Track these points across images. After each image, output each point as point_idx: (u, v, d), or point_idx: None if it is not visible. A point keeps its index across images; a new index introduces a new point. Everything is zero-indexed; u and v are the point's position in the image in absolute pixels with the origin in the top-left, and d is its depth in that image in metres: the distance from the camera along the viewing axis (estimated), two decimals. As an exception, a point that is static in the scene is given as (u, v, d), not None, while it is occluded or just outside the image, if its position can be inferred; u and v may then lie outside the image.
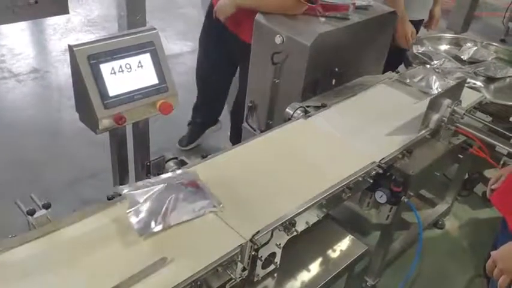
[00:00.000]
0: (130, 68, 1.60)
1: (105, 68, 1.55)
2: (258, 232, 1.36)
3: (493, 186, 1.74)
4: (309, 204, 1.50)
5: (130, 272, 1.20)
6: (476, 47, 2.92)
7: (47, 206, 1.33)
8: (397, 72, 2.45)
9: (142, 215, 1.33)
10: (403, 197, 1.79)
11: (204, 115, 3.13)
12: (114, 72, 1.57)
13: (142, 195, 1.36)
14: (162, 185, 1.39)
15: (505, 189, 1.67)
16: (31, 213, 1.31)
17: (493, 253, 1.43)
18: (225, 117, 3.21)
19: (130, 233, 1.32)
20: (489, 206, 2.70)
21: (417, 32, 2.97)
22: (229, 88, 3.04)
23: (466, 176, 2.83)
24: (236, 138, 2.82)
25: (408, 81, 2.29)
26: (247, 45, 2.34)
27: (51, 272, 1.21)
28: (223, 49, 2.69)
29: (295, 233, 1.48)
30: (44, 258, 1.24)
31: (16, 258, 1.23)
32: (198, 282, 1.23)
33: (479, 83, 2.60)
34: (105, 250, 1.28)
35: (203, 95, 3.05)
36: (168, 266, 1.25)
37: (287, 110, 2.01)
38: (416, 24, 2.96)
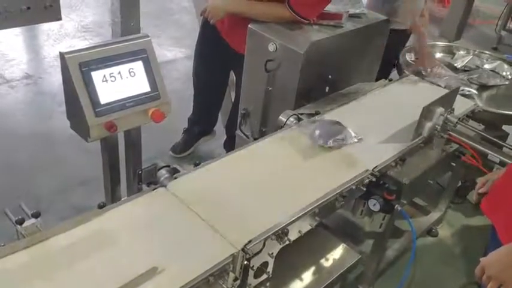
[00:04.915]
0: (122, 75, 1.59)
1: (97, 76, 1.54)
2: (250, 241, 1.35)
3: (480, 191, 1.74)
4: (302, 213, 1.49)
5: (120, 282, 1.18)
6: (470, 56, 2.94)
7: (36, 215, 1.31)
8: (390, 80, 2.45)
9: None
10: (397, 205, 1.79)
11: (202, 124, 3.12)
12: (106, 80, 1.56)
13: None
14: None
15: (494, 197, 1.67)
16: (20, 222, 1.30)
17: (481, 259, 1.44)
18: (218, 125, 3.20)
19: (121, 243, 1.31)
20: (482, 213, 2.71)
21: (407, 40, 2.99)
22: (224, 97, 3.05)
23: (459, 184, 2.84)
24: (230, 145, 2.82)
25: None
26: (242, 56, 2.34)
27: (39, 283, 1.19)
28: (219, 59, 2.69)
29: (287, 242, 1.47)
30: (33, 269, 1.22)
31: (4, 268, 1.21)
32: (189, 293, 1.22)
33: (473, 90, 2.62)
34: (94, 260, 1.27)
35: (201, 104, 3.03)
36: (159, 275, 1.23)
37: (280, 117, 2.01)
38: (408, 32, 2.98)
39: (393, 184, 1.78)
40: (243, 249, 1.33)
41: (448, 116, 1.95)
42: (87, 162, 2.80)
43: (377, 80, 2.58)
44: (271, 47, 2.14)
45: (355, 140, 1.87)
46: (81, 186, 2.76)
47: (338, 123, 1.91)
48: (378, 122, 2.05)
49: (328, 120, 1.95)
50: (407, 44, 2.99)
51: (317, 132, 1.85)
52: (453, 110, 2.02)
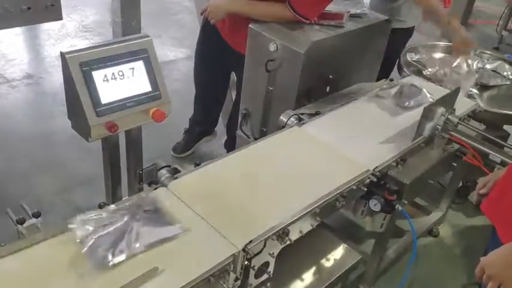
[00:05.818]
0: (123, 75, 1.59)
1: (98, 76, 1.54)
2: (251, 241, 1.34)
3: (480, 191, 1.74)
4: (303, 213, 1.49)
5: (120, 283, 1.18)
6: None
7: (37, 215, 1.32)
8: (391, 80, 2.45)
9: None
10: (397, 206, 1.78)
11: (203, 124, 3.12)
12: (107, 80, 1.56)
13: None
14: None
15: (495, 198, 1.66)
16: (21, 222, 1.30)
17: (481, 259, 1.44)
18: (219, 125, 3.20)
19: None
20: (483, 213, 2.71)
21: (409, 39, 2.99)
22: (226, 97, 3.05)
23: (460, 184, 2.84)
24: (231, 145, 2.81)
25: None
26: (243, 56, 2.34)
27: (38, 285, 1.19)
28: (219, 59, 2.68)
29: (288, 242, 1.46)
30: (33, 269, 1.22)
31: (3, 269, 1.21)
32: (190, 293, 1.22)
33: (474, 90, 2.61)
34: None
35: (201, 105, 3.03)
36: (160, 276, 1.23)
37: (281, 117, 2.01)
38: (410, 31, 2.98)
39: (394, 184, 1.78)
40: (243, 249, 1.32)
41: (449, 116, 1.95)
42: (88, 162, 2.81)
43: (378, 79, 2.58)
44: (272, 47, 2.14)
45: (431, 100, 2.05)
46: (82, 186, 2.76)
47: (415, 86, 2.16)
48: (379, 122, 2.05)
49: (407, 84, 2.20)
50: (408, 44, 2.99)
51: (399, 94, 2.13)
52: (454, 110, 2.02)
